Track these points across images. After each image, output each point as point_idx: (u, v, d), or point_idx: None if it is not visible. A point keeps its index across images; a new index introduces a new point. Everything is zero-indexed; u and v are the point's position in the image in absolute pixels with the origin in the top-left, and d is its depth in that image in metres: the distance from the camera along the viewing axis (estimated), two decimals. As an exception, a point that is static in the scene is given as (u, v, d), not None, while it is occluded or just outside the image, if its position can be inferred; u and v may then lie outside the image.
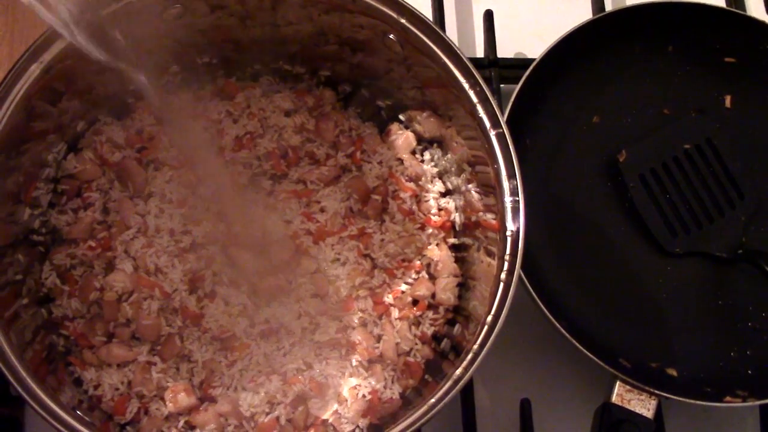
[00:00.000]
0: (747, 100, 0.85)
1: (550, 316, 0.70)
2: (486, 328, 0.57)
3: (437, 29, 0.64)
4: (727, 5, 0.92)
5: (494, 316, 0.57)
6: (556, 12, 0.92)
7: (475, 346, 0.57)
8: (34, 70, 0.60)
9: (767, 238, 0.82)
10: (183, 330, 0.68)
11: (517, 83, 0.79)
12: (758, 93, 0.85)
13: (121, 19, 0.62)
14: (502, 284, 0.59)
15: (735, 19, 0.86)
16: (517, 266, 0.58)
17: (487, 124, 0.63)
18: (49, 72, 0.61)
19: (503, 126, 0.62)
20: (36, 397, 0.53)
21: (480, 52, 0.88)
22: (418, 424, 0.56)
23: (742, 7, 0.93)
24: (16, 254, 0.64)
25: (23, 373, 0.53)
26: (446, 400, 0.56)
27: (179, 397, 0.65)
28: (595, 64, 0.84)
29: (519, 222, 0.59)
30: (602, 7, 0.88)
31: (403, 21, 0.65)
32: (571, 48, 0.82)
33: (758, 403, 0.71)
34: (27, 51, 0.59)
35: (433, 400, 0.56)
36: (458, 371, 0.56)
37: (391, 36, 0.66)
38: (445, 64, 0.64)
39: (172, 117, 0.70)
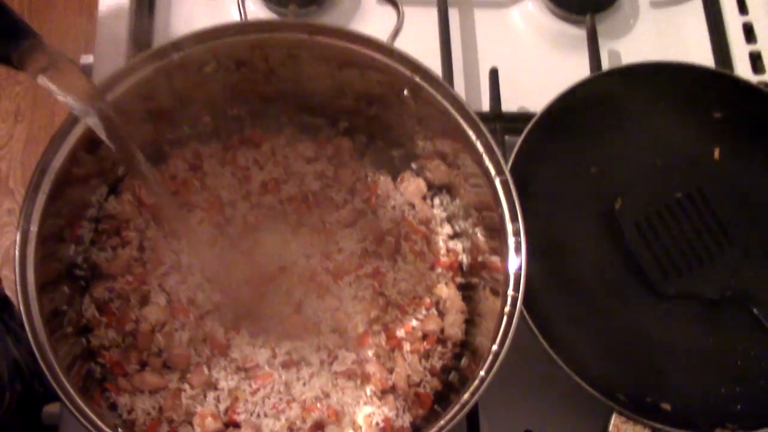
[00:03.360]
0: (734, 153, 0.88)
1: (551, 352, 0.73)
2: (491, 356, 0.61)
3: (447, 86, 0.69)
4: (716, 66, 0.95)
5: (499, 345, 0.61)
6: (557, 69, 0.94)
7: (482, 373, 0.60)
8: (77, 130, 0.65)
9: (754, 280, 0.83)
10: (210, 359, 0.72)
11: (520, 135, 0.82)
12: (744, 146, 0.88)
13: (162, 75, 0.68)
14: (505, 317, 0.63)
15: (723, 79, 0.90)
16: (519, 300, 0.62)
17: (492, 171, 0.67)
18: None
19: (507, 174, 0.66)
20: (88, 418, 0.57)
21: (486, 107, 0.91)
22: None
23: (730, 67, 0.96)
24: (62, 286, 0.68)
25: (76, 397, 0.57)
26: (454, 422, 0.59)
27: (206, 422, 0.68)
28: (592, 118, 0.87)
29: (521, 259, 0.64)
30: (599, 66, 0.92)
31: (416, 79, 0.69)
32: (570, 103, 0.85)
33: None
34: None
35: (442, 422, 0.59)
36: (465, 396, 0.60)
37: (406, 92, 0.71)
38: (454, 117, 0.69)
39: (205, 164, 0.76)
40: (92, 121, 0.57)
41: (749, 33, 0.99)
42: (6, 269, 1.93)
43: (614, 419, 0.73)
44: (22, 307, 0.58)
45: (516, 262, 0.64)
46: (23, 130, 2.06)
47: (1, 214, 1.98)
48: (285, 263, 0.76)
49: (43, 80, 0.53)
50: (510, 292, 0.64)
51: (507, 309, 0.63)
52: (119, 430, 0.61)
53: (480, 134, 0.68)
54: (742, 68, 0.97)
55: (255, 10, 0.91)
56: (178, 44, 0.66)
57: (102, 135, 0.58)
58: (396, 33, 0.73)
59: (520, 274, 0.63)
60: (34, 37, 0.52)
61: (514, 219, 0.65)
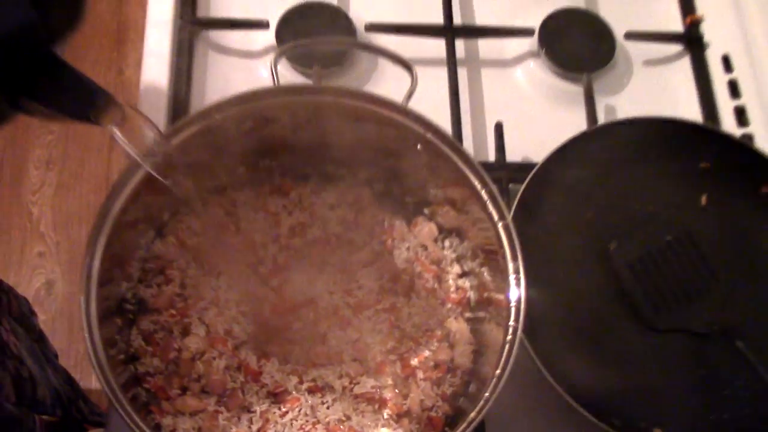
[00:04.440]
0: (720, 199, 0.93)
1: (552, 380, 0.77)
2: (495, 379, 0.67)
3: (455, 142, 0.75)
4: (704, 119, 1.02)
5: (501, 369, 0.68)
6: (557, 123, 0.99)
7: (486, 394, 0.67)
8: (136, 176, 0.72)
9: (739, 316, 0.87)
10: (244, 385, 0.77)
11: (523, 183, 0.87)
12: (729, 193, 0.93)
13: (205, 133, 0.77)
14: (507, 345, 0.69)
15: (708, 132, 0.95)
16: (519, 329, 0.68)
17: (496, 217, 0.74)
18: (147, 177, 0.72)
19: (508, 219, 0.73)
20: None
21: (492, 157, 0.96)
22: None
23: (717, 120, 1.02)
24: (115, 319, 0.75)
25: (133, 414, 0.64)
26: (472, 426, 0.66)
27: None
28: (589, 167, 0.91)
29: (520, 293, 0.70)
30: (595, 121, 0.98)
31: (428, 135, 0.76)
32: (569, 154, 0.89)
33: None
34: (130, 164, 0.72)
35: (462, 426, 0.65)
36: (472, 414, 0.66)
37: (419, 146, 0.77)
38: (461, 169, 0.75)
39: (240, 210, 0.84)
40: (154, 166, 0.65)
41: (734, 89, 1.05)
42: (36, 309, 2.01)
43: None
44: (87, 335, 0.65)
45: (516, 295, 0.71)
46: (54, 177, 2.14)
47: (33, 257, 2.06)
48: (311, 298, 0.81)
49: (115, 132, 0.60)
50: (511, 323, 0.70)
51: (509, 338, 0.69)
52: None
53: (484, 184, 0.74)
54: (728, 121, 1.03)
55: (282, 70, 0.96)
56: (219, 107, 0.74)
57: (161, 178, 0.66)
58: (410, 94, 0.79)
59: (520, 307, 0.70)
60: (107, 95, 0.59)
61: (514, 259, 0.72)
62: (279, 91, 0.77)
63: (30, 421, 0.92)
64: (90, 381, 1.91)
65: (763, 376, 0.83)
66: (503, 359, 0.68)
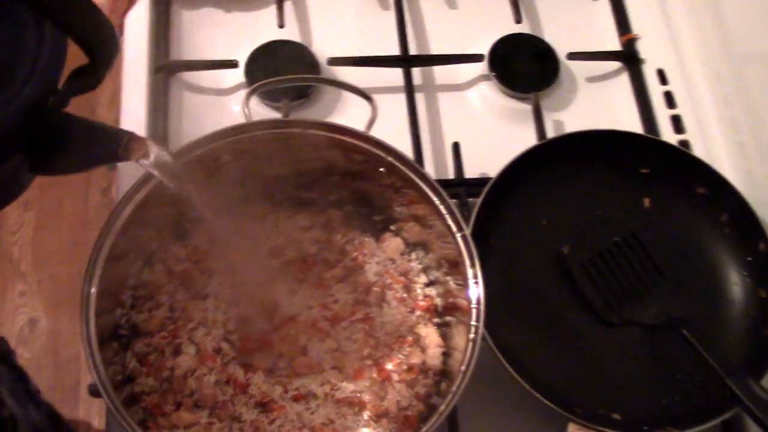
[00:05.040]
0: (661, 201, 1.00)
1: (515, 375, 0.83)
2: (461, 375, 0.74)
3: (415, 164, 0.82)
4: (643, 128, 1.10)
5: (466, 365, 0.74)
6: (510, 140, 1.04)
7: (454, 388, 0.74)
8: (126, 211, 0.79)
9: (685, 308, 0.94)
10: (234, 397, 0.82)
11: (480, 196, 0.93)
12: (669, 195, 1.00)
13: (189, 167, 0.82)
14: (470, 343, 0.75)
15: (646, 140, 1.03)
16: (480, 327, 0.75)
17: (454, 229, 0.80)
18: (133, 213, 0.80)
19: (466, 231, 0.80)
20: None
21: (451, 174, 1.03)
22: None
23: (656, 129, 1.10)
24: (112, 343, 0.81)
25: (137, 427, 0.70)
26: (436, 425, 0.72)
27: None
28: (540, 179, 0.98)
29: (480, 295, 0.77)
30: (544, 136, 1.04)
31: (390, 159, 0.82)
32: (521, 167, 0.96)
33: None
34: (123, 197, 0.80)
35: (425, 428, 0.72)
36: (442, 407, 0.73)
37: (382, 169, 0.84)
38: (422, 188, 0.82)
39: (221, 235, 0.90)
40: (174, 185, 0.71)
41: (670, 100, 1.12)
42: (21, 348, 2.04)
43: (571, 428, 0.83)
44: (90, 359, 0.71)
45: (476, 296, 0.77)
46: (32, 217, 2.18)
47: (15, 296, 2.09)
48: (291, 314, 0.87)
49: (143, 163, 0.67)
50: (473, 323, 0.76)
51: (472, 336, 0.76)
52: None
53: (442, 200, 0.81)
54: (666, 129, 1.10)
55: (253, 105, 0.99)
56: (198, 143, 0.81)
57: (176, 189, 0.72)
58: (372, 122, 0.85)
59: (480, 308, 0.77)
60: (126, 133, 0.65)
61: (473, 265, 0.79)
62: (251, 126, 0.83)
63: None
64: (78, 412, 1.95)
65: (708, 360, 0.90)
66: (467, 356, 0.75)
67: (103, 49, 0.60)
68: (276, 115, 1.05)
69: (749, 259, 0.98)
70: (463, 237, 0.80)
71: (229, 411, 0.82)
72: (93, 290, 0.74)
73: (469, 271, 0.79)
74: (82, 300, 0.73)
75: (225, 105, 1.08)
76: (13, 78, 0.58)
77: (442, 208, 0.82)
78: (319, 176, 0.89)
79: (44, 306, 2.09)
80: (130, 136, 0.65)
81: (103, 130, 0.65)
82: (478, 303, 0.78)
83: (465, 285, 0.80)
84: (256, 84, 0.89)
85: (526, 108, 1.10)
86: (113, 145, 0.64)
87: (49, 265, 2.12)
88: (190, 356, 0.83)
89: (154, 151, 0.67)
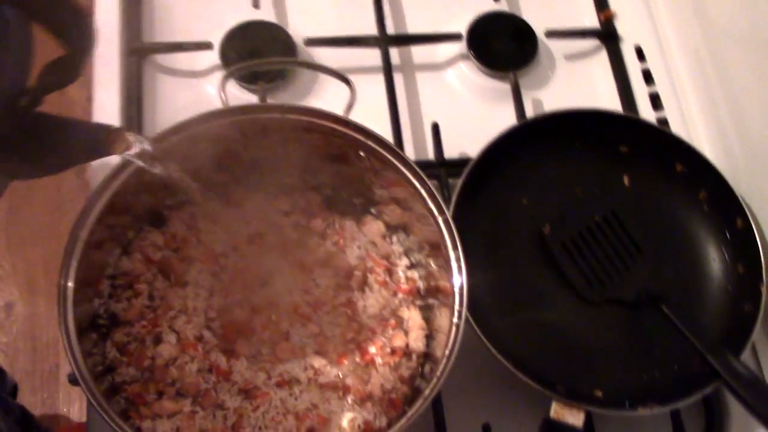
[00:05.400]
0: (640, 179, 1.01)
1: (498, 356, 0.84)
2: (445, 360, 0.74)
3: (394, 147, 0.82)
4: (622, 106, 1.10)
5: (450, 350, 0.74)
6: (490, 119, 1.06)
7: (438, 373, 0.74)
8: (101, 200, 0.77)
9: (664, 284, 0.95)
10: (216, 384, 0.81)
11: (460, 177, 0.93)
12: (648, 173, 1.01)
13: (167, 152, 0.81)
14: (454, 327, 0.76)
15: (625, 119, 1.04)
16: (464, 311, 0.75)
17: (435, 212, 0.80)
18: (108, 201, 0.78)
19: (447, 214, 0.79)
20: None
21: (431, 156, 1.03)
22: (401, 429, 0.72)
23: (634, 106, 1.10)
24: (91, 334, 0.80)
25: (117, 418, 0.69)
26: (419, 413, 0.72)
27: None
28: (520, 158, 0.98)
29: (462, 279, 0.77)
30: (523, 115, 1.04)
31: (369, 142, 0.82)
32: (501, 147, 0.96)
33: (661, 410, 0.85)
34: (98, 185, 0.77)
35: (409, 413, 0.72)
36: (426, 392, 0.73)
37: (361, 153, 0.83)
38: (402, 171, 0.81)
39: (199, 223, 0.89)
40: (157, 169, 0.71)
41: (648, 77, 1.13)
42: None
43: (554, 406, 0.84)
44: (67, 350, 0.71)
45: (459, 282, 0.78)
46: (4, 200, 2.14)
47: (-11, 282, 2.08)
48: (272, 299, 0.86)
49: (126, 155, 0.66)
50: (456, 307, 0.77)
51: (455, 321, 0.76)
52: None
53: (423, 183, 0.80)
54: (644, 107, 1.11)
55: (229, 88, 0.97)
56: (175, 129, 0.79)
57: (162, 173, 0.72)
58: (350, 105, 0.85)
59: (463, 292, 0.77)
60: (106, 128, 0.64)
61: (455, 248, 0.78)
62: (228, 111, 0.82)
63: None
64: (58, 397, 1.94)
65: (687, 336, 0.91)
66: (450, 340, 0.75)
67: (80, 37, 0.58)
68: (252, 97, 1.04)
69: (727, 235, 0.99)
70: (445, 220, 0.80)
71: (212, 399, 0.81)
72: (70, 284, 0.73)
73: (451, 254, 0.79)
74: (59, 292, 0.72)
75: (200, 87, 1.07)
76: None
77: (422, 191, 0.82)
78: (298, 160, 0.89)
79: (20, 290, 2.07)
80: (110, 130, 0.64)
81: (81, 127, 0.63)
82: (461, 287, 0.77)
83: (447, 268, 0.80)
84: (232, 68, 0.88)
85: (505, 87, 1.10)
86: (93, 141, 0.63)
87: (24, 248, 2.10)
88: (171, 345, 0.82)
89: (136, 142, 0.66)
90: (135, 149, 0.66)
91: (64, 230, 0.77)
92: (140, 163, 0.69)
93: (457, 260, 0.78)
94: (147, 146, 0.68)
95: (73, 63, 0.60)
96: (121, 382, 0.82)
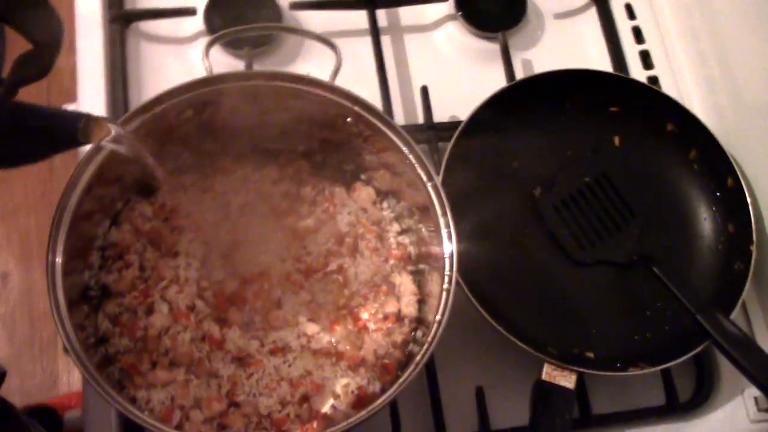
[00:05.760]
0: (631, 139, 1.01)
1: (490, 319, 0.84)
2: (435, 325, 0.75)
3: (382, 113, 0.81)
4: (612, 65, 1.09)
5: (440, 315, 0.75)
6: (479, 81, 1.04)
7: (429, 339, 0.74)
8: (87, 171, 0.77)
9: (655, 245, 0.96)
10: (210, 353, 0.82)
11: (450, 141, 0.92)
12: (639, 133, 1.00)
13: (148, 124, 0.80)
14: (444, 293, 0.76)
15: (615, 78, 1.02)
16: (454, 277, 0.76)
17: (424, 178, 0.80)
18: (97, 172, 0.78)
19: (436, 180, 0.79)
20: (121, 404, 0.70)
21: (421, 119, 1.02)
22: (394, 394, 0.73)
23: (624, 65, 1.09)
24: (82, 306, 0.80)
25: (110, 390, 0.69)
26: (411, 377, 0.72)
27: (212, 405, 0.79)
28: (510, 120, 0.97)
29: (452, 246, 0.77)
30: (513, 76, 1.03)
31: (356, 108, 0.81)
32: (491, 109, 0.95)
33: (652, 370, 0.86)
34: (81, 161, 0.77)
35: (401, 379, 0.72)
36: (417, 358, 0.74)
37: (349, 119, 0.83)
38: (389, 137, 0.81)
39: (187, 193, 0.89)
40: (125, 149, 0.71)
41: (638, 35, 1.12)
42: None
43: (546, 368, 0.84)
44: (58, 325, 0.71)
45: (449, 248, 0.77)
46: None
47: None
48: (264, 268, 0.87)
49: (104, 143, 0.67)
50: (446, 272, 0.77)
51: (445, 286, 0.76)
52: (144, 412, 0.74)
53: (411, 149, 0.80)
54: (634, 65, 1.10)
55: (214, 53, 0.97)
56: (158, 99, 0.78)
57: (131, 155, 0.72)
58: (336, 70, 0.84)
59: (453, 258, 0.77)
60: (84, 116, 0.63)
61: (444, 215, 0.78)
62: (213, 80, 0.81)
63: None
64: (57, 367, 1.95)
65: (678, 296, 0.91)
66: (441, 306, 0.76)
67: (46, 32, 0.57)
68: (238, 63, 1.03)
69: (718, 194, 0.99)
70: (434, 186, 0.80)
71: (206, 368, 0.82)
72: (58, 258, 0.73)
73: (441, 221, 0.79)
74: (47, 265, 0.72)
75: (185, 54, 1.05)
76: None
77: (411, 157, 0.81)
78: (286, 127, 0.88)
79: (15, 259, 2.06)
80: (88, 118, 0.63)
81: (57, 116, 0.62)
82: (451, 253, 0.77)
83: (437, 233, 0.80)
84: (215, 35, 0.86)
85: (494, 48, 1.09)
86: (70, 130, 0.62)
87: (17, 217, 2.09)
88: (163, 315, 0.82)
89: (112, 129, 0.66)
90: (111, 136, 0.66)
91: (56, 199, 0.76)
92: (116, 148, 0.69)
93: (447, 226, 0.78)
94: (122, 131, 0.69)
95: (42, 58, 0.59)
96: (115, 353, 0.82)
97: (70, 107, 0.99)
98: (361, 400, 0.82)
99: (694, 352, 0.88)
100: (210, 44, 0.85)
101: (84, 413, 0.86)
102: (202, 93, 0.81)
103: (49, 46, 0.58)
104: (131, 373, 0.82)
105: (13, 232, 2.09)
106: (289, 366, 0.83)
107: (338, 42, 0.87)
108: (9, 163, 0.63)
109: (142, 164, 0.76)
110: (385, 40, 1.08)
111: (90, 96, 0.98)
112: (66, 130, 0.62)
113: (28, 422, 1.23)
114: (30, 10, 0.55)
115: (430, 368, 0.89)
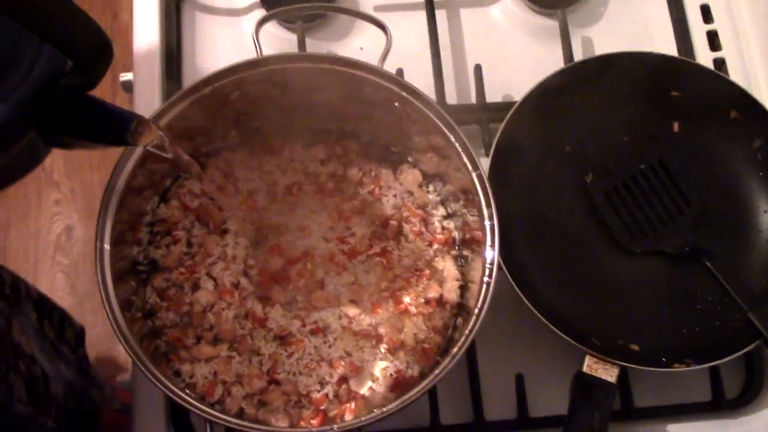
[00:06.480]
0: (691, 125, 0.97)
1: (532, 308, 0.83)
2: (474, 316, 0.74)
3: (429, 99, 0.80)
4: (677, 46, 1.05)
5: (480, 307, 0.74)
6: (535, 61, 1.03)
7: (470, 325, 0.74)
8: (135, 152, 0.79)
9: (710, 237, 0.93)
10: (252, 331, 0.83)
11: (502, 122, 0.91)
12: (700, 119, 0.96)
13: (197, 105, 0.81)
14: (484, 285, 0.75)
15: (678, 62, 0.98)
16: (495, 271, 0.75)
17: (470, 167, 0.79)
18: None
19: (480, 169, 0.78)
20: (160, 381, 0.72)
21: (473, 99, 1.00)
22: (432, 383, 0.73)
23: (690, 46, 1.05)
24: (130, 280, 0.82)
25: (150, 365, 0.71)
26: (455, 360, 0.72)
27: (253, 381, 0.81)
28: (566, 103, 0.95)
29: (495, 239, 0.76)
30: (571, 57, 1.01)
31: (404, 94, 0.80)
32: (547, 91, 0.93)
33: (699, 367, 0.84)
34: None
35: (440, 367, 0.72)
36: (460, 342, 0.74)
37: (396, 104, 0.82)
38: (436, 124, 0.80)
39: (236, 171, 0.90)
40: (166, 153, 0.73)
41: (706, 13, 1.07)
42: (59, 255, 2.10)
43: (587, 360, 0.83)
44: (104, 300, 0.73)
45: (490, 241, 0.77)
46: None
47: (50, 205, 2.14)
48: (308, 248, 0.87)
49: (148, 148, 0.68)
50: (488, 265, 0.76)
51: (486, 279, 0.76)
52: (186, 390, 0.77)
53: (457, 136, 0.79)
54: (701, 46, 1.06)
55: (269, 26, 1.00)
56: (208, 80, 0.79)
57: (167, 155, 0.73)
58: (386, 52, 0.83)
59: (494, 253, 0.76)
60: (138, 119, 0.64)
61: (488, 206, 0.77)
62: (262, 61, 0.81)
63: (42, 419, 0.98)
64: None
65: (729, 292, 0.89)
66: (481, 298, 0.75)
67: (85, 48, 0.58)
68: (291, 36, 1.03)
69: (781, 187, 0.94)
70: (479, 176, 0.79)
71: (248, 345, 0.84)
72: (107, 234, 0.74)
73: (485, 212, 0.78)
74: (96, 239, 0.74)
75: (239, 26, 1.05)
76: (21, 59, 0.57)
77: (457, 145, 0.80)
78: (334, 107, 0.88)
79: (78, 213, 2.13)
80: (140, 121, 0.64)
81: (114, 114, 0.63)
82: (492, 244, 0.76)
83: (481, 225, 0.79)
84: (265, 14, 0.86)
85: (553, 25, 1.06)
86: (122, 130, 0.63)
87: (81, 173, 2.15)
88: (209, 291, 0.84)
89: (158, 135, 0.68)
90: (156, 142, 0.68)
91: (117, 158, 0.79)
92: (158, 153, 0.71)
93: (491, 218, 0.77)
94: (165, 140, 0.70)
95: (84, 73, 0.61)
96: (162, 326, 0.85)
97: (127, 76, 1.01)
98: (399, 384, 0.83)
99: (744, 351, 0.85)
100: (261, 23, 0.84)
101: (133, 381, 0.88)
102: (251, 74, 0.81)
103: (88, 62, 0.59)
104: (177, 346, 0.84)
105: (78, 187, 2.15)
106: (330, 347, 0.84)
107: (392, 17, 0.88)
108: (61, 146, 0.65)
109: (179, 163, 0.78)
110: (440, 15, 1.05)
111: (146, 63, 0.99)
112: (118, 129, 0.63)
113: (102, 380, 1.29)
114: (67, 24, 0.55)
115: (470, 353, 0.89)
